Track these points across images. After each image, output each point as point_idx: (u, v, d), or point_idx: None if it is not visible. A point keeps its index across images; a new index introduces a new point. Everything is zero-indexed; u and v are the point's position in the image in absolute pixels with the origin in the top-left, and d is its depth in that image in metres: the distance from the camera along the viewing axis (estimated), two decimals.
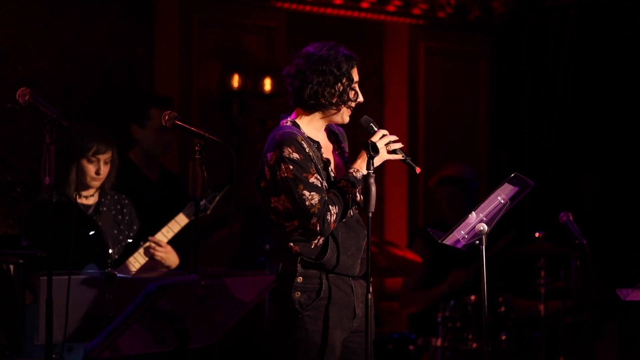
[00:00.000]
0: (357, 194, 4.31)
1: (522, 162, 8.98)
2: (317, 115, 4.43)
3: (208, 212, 5.77)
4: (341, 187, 4.30)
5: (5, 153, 6.96)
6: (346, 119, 4.46)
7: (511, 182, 4.47)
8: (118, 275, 4.55)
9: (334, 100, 4.37)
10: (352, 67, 4.40)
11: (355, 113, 4.52)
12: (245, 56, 8.04)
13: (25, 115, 6.89)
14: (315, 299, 4.31)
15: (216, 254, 6.14)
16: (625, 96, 8.59)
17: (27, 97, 4.17)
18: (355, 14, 8.55)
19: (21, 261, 4.72)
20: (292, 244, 4.33)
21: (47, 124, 4.11)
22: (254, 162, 7.52)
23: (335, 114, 4.42)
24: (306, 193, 4.24)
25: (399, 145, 4.38)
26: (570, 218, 5.85)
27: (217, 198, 5.77)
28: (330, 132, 4.57)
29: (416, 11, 8.76)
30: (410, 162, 4.41)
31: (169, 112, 4.35)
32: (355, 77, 4.42)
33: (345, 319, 4.37)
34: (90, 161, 5.56)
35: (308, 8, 8.32)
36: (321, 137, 4.47)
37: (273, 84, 7.92)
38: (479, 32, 9.14)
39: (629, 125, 8.57)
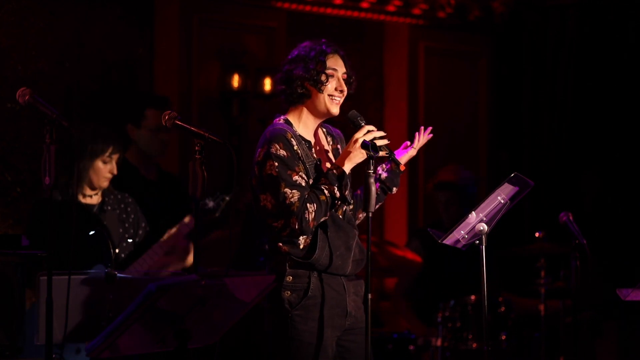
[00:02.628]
0: (336, 191, 4.29)
1: (522, 162, 8.98)
2: (304, 110, 4.43)
3: (217, 214, 5.79)
4: (319, 184, 4.30)
5: (5, 153, 6.96)
6: (333, 110, 4.42)
7: (511, 182, 4.47)
8: (118, 275, 4.55)
9: (305, 84, 4.37)
10: (325, 54, 4.39)
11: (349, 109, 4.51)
12: (245, 56, 8.04)
13: (25, 115, 6.89)
14: (303, 297, 4.32)
15: (216, 254, 6.14)
16: (625, 96, 8.59)
17: (27, 97, 4.17)
18: (355, 14, 8.55)
19: (20, 261, 4.72)
20: (281, 244, 4.34)
21: (47, 124, 4.12)
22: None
23: (318, 103, 4.40)
24: (287, 191, 4.25)
25: (384, 142, 4.37)
26: (570, 218, 5.84)
27: (227, 200, 5.79)
28: (328, 134, 4.57)
29: (416, 11, 8.76)
30: (395, 159, 4.41)
31: (169, 112, 4.35)
32: (334, 65, 4.41)
33: (337, 318, 4.37)
34: (105, 162, 5.66)
35: (308, 8, 8.32)
36: (313, 137, 4.48)
37: (273, 84, 7.92)
38: (479, 32, 9.14)
39: (629, 125, 8.57)
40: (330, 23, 8.48)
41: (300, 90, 4.39)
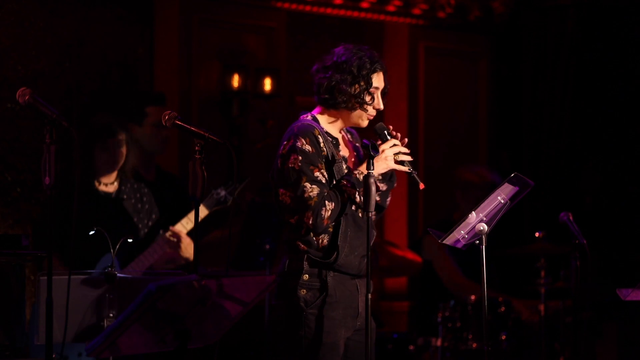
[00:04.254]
0: (357, 196, 4.31)
1: (522, 162, 8.98)
2: (336, 115, 4.44)
3: (228, 203, 5.83)
4: (340, 185, 4.31)
5: (5, 153, 6.96)
6: (364, 124, 4.47)
7: (511, 182, 4.46)
8: (118, 275, 4.56)
9: (349, 100, 4.38)
10: (374, 72, 4.41)
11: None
12: (245, 56, 8.04)
13: (25, 115, 6.89)
14: (319, 296, 4.32)
15: (216, 254, 6.14)
16: (625, 96, 8.59)
17: (27, 97, 4.16)
18: (355, 14, 8.55)
19: (20, 261, 4.72)
20: (299, 242, 4.34)
21: (47, 124, 4.11)
22: (254, 162, 7.54)
23: (353, 116, 4.43)
24: (307, 185, 4.26)
25: (407, 158, 4.39)
26: (570, 218, 5.84)
27: (238, 190, 5.83)
28: (348, 131, 4.57)
29: (416, 11, 8.76)
30: (416, 177, 4.41)
31: (169, 111, 4.35)
32: (376, 83, 4.42)
33: (350, 318, 4.38)
34: (102, 146, 5.71)
35: (308, 8, 8.32)
36: (339, 135, 4.49)
37: (273, 84, 7.92)
38: (479, 32, 9.14)
39: (629, 125, 8.57)
40: (330, 23, 8.48)
41: (344, 104, 4.40)
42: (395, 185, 4.54)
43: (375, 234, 4.49)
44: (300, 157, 4.28)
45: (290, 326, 4.34)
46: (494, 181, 7.44)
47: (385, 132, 4.42)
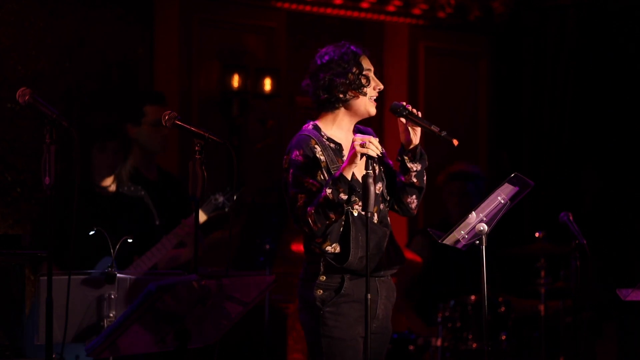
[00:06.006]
0: (330, 195, 4.26)
1: (522, 162, 8.98)
2: (341, 113, 4.46)
3: (226, 209, 5.84)
4: (324, 187, 4.31)
5: (5, 153, 6.96)
6: (372, 112, 4.48)
7: (511, 182, 4.47)
8: (118, 275, 4.56)
9: (346, 90, 4.40)
10: (359, 56, 4.43)
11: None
12: (245, 56, 8.05)
13: (25, 115, 6.90)
14: (335, 295, 4.37)
15: (216, 254, 6.15)
16: (625, 96, 8.59)
17: (27, 97, 4.17)
18: (355, 14, 8.55)
19: (20, 261, 4.73)
20: (314, 247, 4.39)
21: (47, 124, 4.12)
22: (254, 162, 7.52)
23: (357, 107, 4.44)
24: (298, 196, 4.31)
25: (422, 121, 4.44)
26: (570, 218, 5.84)
27: (236, 196, 5.84)
28: (359, 132, 4.55)
29: (416, 11, 8.77)
30: (446, 137, 4.43)
31: (169, 111, 4.36)
32: (367, 66, 4.45)
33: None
34: (100, 148, 5.74)
35: (308, 8, 8.33)
36: (345, 138, 4.48)
37: (273, 84, 7.93)
38: (479, 32, 9.14)
39: (628, 125, 8.57)
40: (330, 23, 8.48)
41: (343, 96, 4.42)
42: (427, 163, 4.55)
43: (387, 231, 4.49)
44: (294, 170, 4.34)
45: (311, 326, 4.41)
46: (462, 170, 7.52)
47: (399, 109, 4.42)
